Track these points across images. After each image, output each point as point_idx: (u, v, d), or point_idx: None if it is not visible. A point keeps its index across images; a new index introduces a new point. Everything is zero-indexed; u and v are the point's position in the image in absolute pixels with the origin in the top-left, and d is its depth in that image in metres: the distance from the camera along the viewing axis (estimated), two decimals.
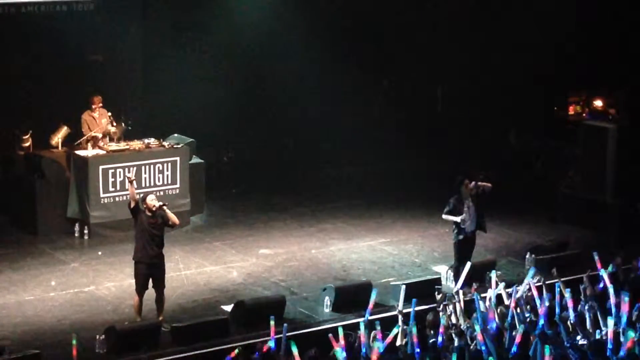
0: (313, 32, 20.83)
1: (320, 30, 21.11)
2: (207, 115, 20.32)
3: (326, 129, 21.32)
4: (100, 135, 17.68)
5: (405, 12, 21.96)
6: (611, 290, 12.97)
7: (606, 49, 21.28)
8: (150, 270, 14.01)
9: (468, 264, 14.52)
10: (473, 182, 15.41)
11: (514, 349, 11.72)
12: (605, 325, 12.10)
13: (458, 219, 15.32)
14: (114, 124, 17.88)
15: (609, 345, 11.64)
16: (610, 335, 11.72)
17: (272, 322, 11.97)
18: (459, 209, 15.35)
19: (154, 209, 13.94)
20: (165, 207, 14.01)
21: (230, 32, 20.69)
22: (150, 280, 14.04)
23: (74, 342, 11.83)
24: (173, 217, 14.12)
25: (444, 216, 15.53)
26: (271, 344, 11.84)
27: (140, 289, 14.05)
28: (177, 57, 20.42)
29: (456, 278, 15.02)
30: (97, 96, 17.80)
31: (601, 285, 13.69)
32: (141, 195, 14.34)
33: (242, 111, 21.26)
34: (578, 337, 12.15)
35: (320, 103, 21.30)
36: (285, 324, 12.35)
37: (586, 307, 12.69)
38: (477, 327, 11.86)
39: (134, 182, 14.27)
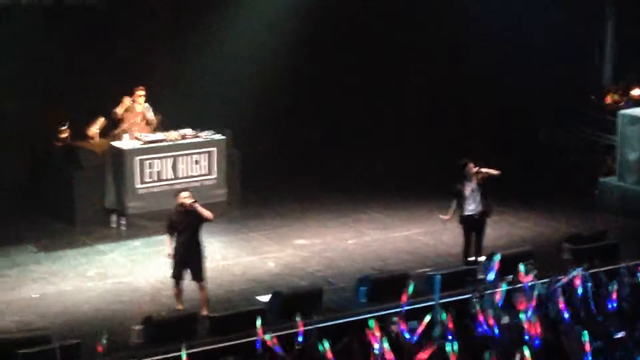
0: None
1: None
2: (241, 106, 20.32)
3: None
4: (138, 120, 17.75)
5: None
6: None
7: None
8: (186, 264, 14.06)
9: (498, 255, 14.51)
10: (477, 167, 15.51)
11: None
12: None
13: (454, 204, 15.62)
14: (152, 115, 17.96)
15: None
16: None
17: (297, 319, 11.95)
18: (461, 191, 15.55)
19: (187, 206, 13.98)
20: (196, 205, 13.93)
21: (266, 24, 20.67)
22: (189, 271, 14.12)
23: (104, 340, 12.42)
24: (206, 213, 13.96)
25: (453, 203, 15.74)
26: (299, 339, 11.87)
27: (177, 279, 14.13)
28: (209, 49, 20.39)
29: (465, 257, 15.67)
30: (141, 87, 17.82)
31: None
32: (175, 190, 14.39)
33: (278, 102, 21.27)
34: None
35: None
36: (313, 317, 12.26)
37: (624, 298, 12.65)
38: (523, 317, 11.86)
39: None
